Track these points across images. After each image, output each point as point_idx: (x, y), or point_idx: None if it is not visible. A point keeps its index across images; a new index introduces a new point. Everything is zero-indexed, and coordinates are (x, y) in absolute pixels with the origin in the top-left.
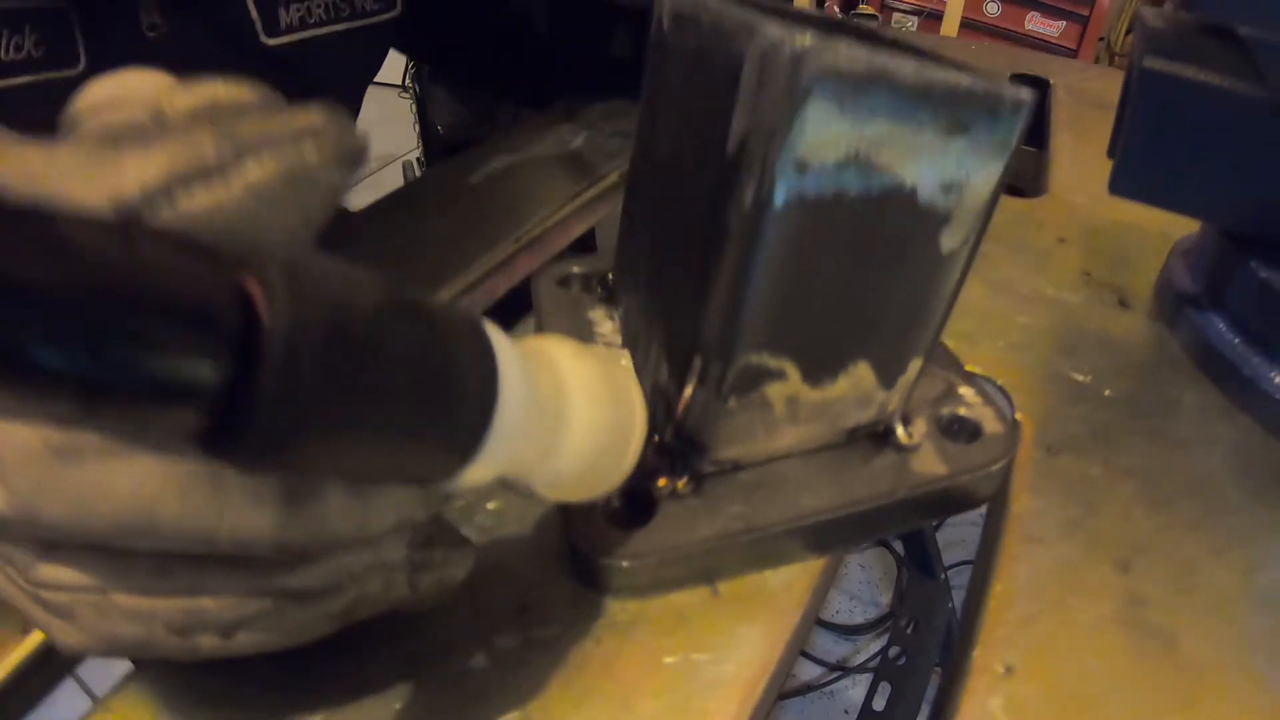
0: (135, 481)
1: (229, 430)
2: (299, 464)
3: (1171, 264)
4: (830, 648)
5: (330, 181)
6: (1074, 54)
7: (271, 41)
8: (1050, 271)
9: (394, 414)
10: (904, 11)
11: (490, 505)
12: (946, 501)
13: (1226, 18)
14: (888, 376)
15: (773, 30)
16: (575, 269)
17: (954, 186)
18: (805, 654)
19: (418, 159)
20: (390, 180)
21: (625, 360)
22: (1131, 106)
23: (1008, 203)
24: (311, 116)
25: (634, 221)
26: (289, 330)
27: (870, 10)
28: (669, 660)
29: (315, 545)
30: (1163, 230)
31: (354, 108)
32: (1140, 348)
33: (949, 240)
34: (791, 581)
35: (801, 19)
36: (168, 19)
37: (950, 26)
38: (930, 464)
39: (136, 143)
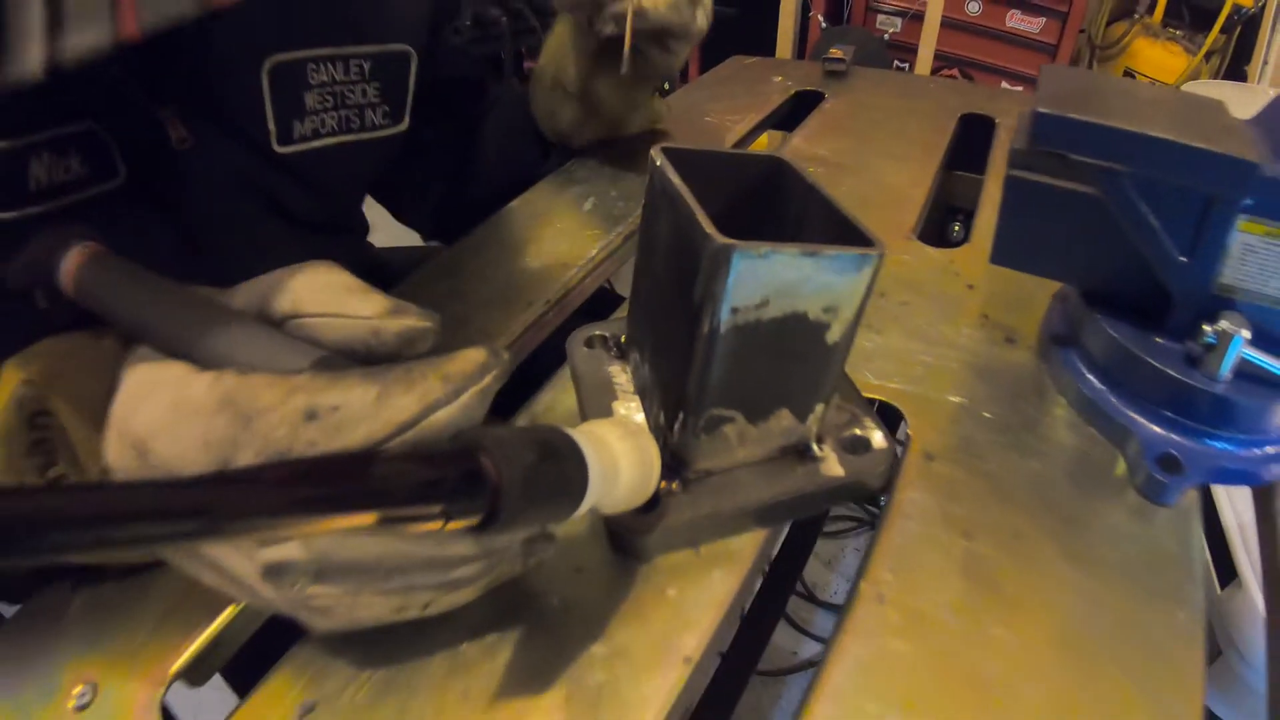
0: (395, 538)
1: (486, 526)
2: (510, 530)
3: (1051, 308)
4: (829, 625)
5: (494, 390)
6: (1054, 48)
7: (284, 150)
8: (955, 316)
9: (548, 503)
10: (888, 13)
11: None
12: (846, 494)
13: (1058, 148)
14: (801, 416)
15: (715, 239)
16: (596, 333)
17: (831, 308)
18: (806, 632)
19: None
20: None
21: (646, 433)
22: (1002, 201)
23: (930, 254)
24: (477, 358)
25: (638, 308)
26: (508, 483)
27: (838, 54)
28: (670, 593)
29: (488, 554)
30: (1050, 283)
31: (356, 206)
32: (1018, 377)
33: (831, 337)
34: (745, 545)
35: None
36: (193, 132)
37: (931, 27)
38: (834, 469)
39: (400, 385)
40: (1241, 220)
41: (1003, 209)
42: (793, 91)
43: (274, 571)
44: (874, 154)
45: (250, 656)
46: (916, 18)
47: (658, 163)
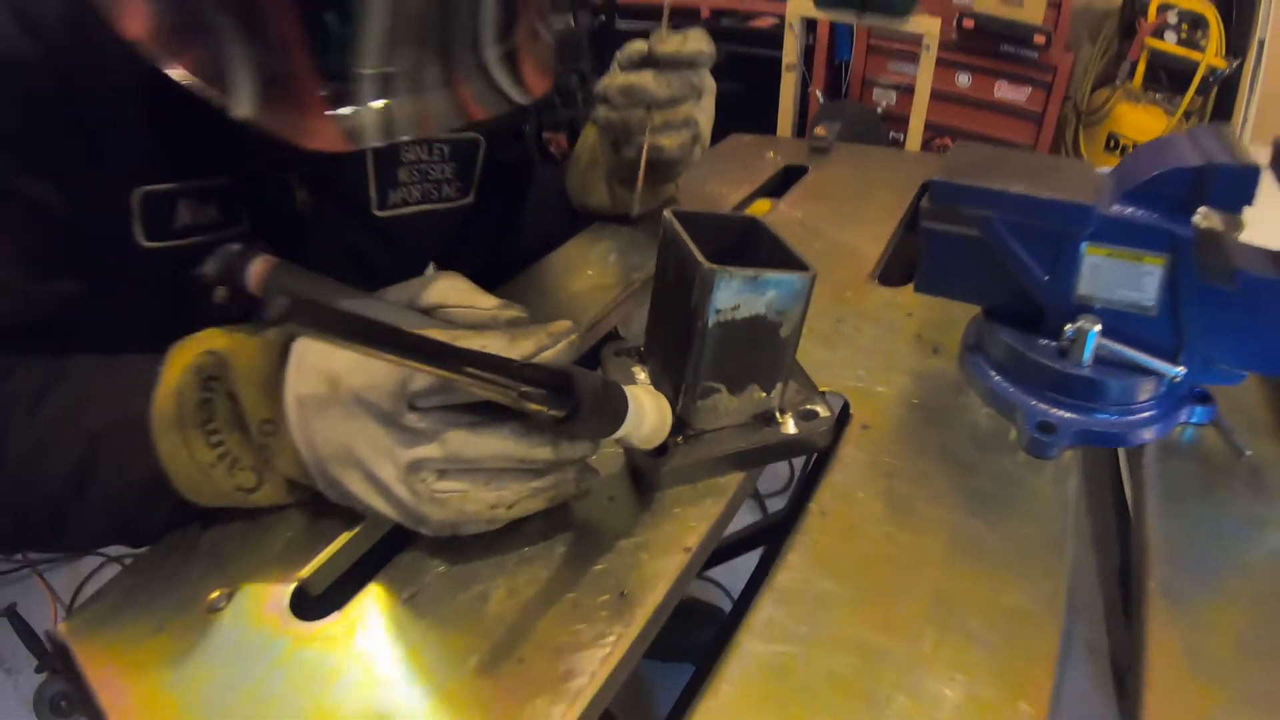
0: (503, 441)
1: (569, 418)
2: (584, 432)
3: (967, 328)
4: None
5: (576, 344)
6: (1040, 116)
7: (380, 214)
8: (895, 335)
9: (604, 415)
10: (883, 86)
11: (592, 458)
12: (799, 447)
13: (951, 203)
14: (767, 389)
15: (704, 265)
16: (625, 345)
17: (782, 311)
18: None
19: None
20: None
21: (663, 396)
22: (920, 244)
23: (881, 292)
24: (566, 324)
25: (653, 326)
26: (584, 397)
27: (822, 133)
28: (676, 511)
29: (560, 462)
30: (971, 307)
31: (426, 265)
32: (940, 377)
33: (784, 333)
34: (729, 481)
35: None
36: (311, 196)
37: (922, 99)
38: (790, 429)
39: (521, 334)
40: (1087, 246)
41: (921, 250)
42: (782, 166)
43: (415, 466)
44: (844, 217)
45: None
46: (910, 90)
47: (667, 219)
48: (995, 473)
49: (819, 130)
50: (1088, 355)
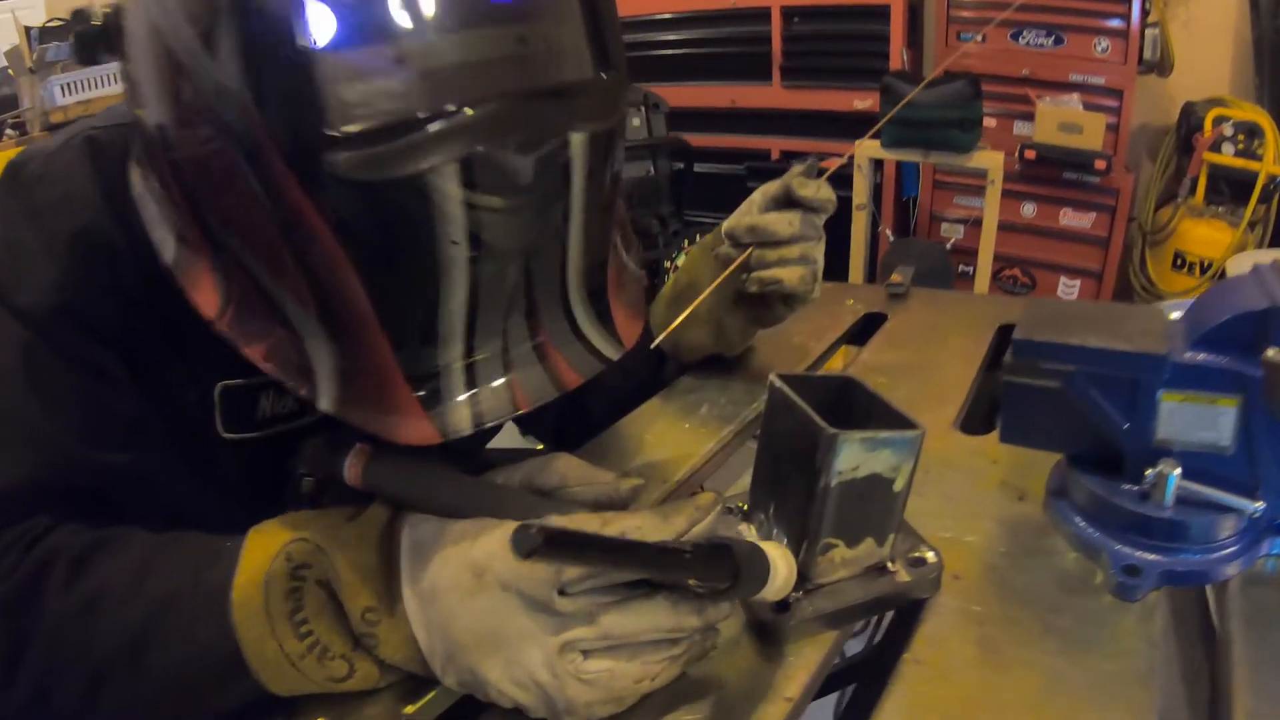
0: (654, 615)
1: (733, 587)
2: (739, 594)
3: (1051, 473)
4: None
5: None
6: (1107, 240)
7: None
8: (980, 483)
9: (754, 579)
10: (950, 221)
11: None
12: (913, 595)
13: (1031, 359)
14: (880, 541)
15: (827, 430)
16: (725, 504)
17: (895, 468)
18: None
19: None
20: None
21: (789, 554)
22: (1003, 396)
23: (965, 440)
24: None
25: (760, 483)
26: (743, 562)
27: (898, 279)
28: (777, 656)
29: (706, 628)
30: (1053, 454)
31: (499, 431)
32: (1025, 523)
33: (896, 487)
34: (844, 632)
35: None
36: None
37: (989, 232)
38: (903, 577)
39: (671, 511)
40: (1163, 392)
41: (1004, 402)
42: (861, 313)
43: (564, 648)
44: (926, 362)
45: None
46: (977, 223)
47: (776, 385)
48: (1082, 613)
49: (895, 277)
50: (1169, 497)
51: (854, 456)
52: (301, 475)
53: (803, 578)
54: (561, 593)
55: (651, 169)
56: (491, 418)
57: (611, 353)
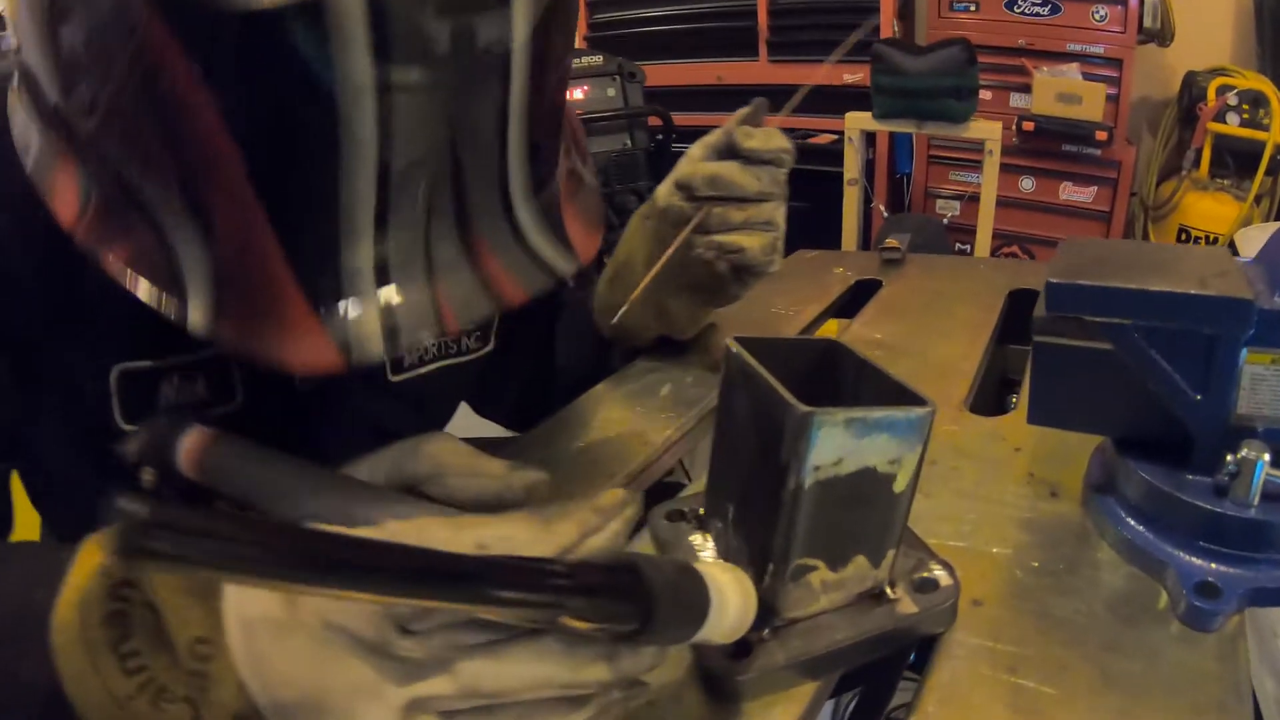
0: (540, 664)
1: (643, 629)
2: (659, 639)
3: (1090, 461)
4: None
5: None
6: (1108, 214)
7: (396, 378)
8: (1002, 476)
9: (682, 618)
10: (946, 197)
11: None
12: (920, 631)
13: (1072, 312)
14: (876, 561)
15: (797, 408)
16: (675, 507)
17: (895, 460)
18: None
19: None
20: None
21: (746, 578)
22: (1031, 365)
23: (979, 423)
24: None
25: (716, 482)
26: (659, 593)
27: (894, 244)
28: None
29: (619, 682)
30: (1093, 437)
31: (449, 419)
32: (1061, 527)
33: (897, 487)
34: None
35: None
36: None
37: (988, 207)
38: (909, 607)
39: (556, 515)
40: (1248, 352)
41: (1033, 372)
42: (853, 281)
43: (415, 706)
44: (927, 334)
45: None
46: (974, 199)
47: (734, 350)
48: (1145, 651)
49: (891, 241)
50: (1255, 492)
51: (836, 445)
52: (136, 464)
53: (769, 611)
54: (406, 630)
55: (629, 142)
56: (410, 337)
57: (565, 266)
